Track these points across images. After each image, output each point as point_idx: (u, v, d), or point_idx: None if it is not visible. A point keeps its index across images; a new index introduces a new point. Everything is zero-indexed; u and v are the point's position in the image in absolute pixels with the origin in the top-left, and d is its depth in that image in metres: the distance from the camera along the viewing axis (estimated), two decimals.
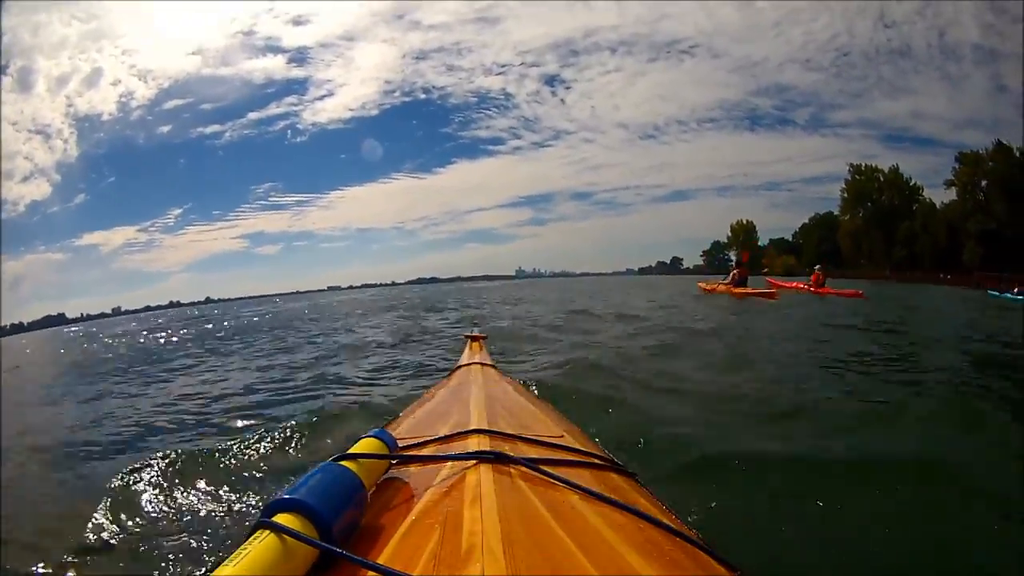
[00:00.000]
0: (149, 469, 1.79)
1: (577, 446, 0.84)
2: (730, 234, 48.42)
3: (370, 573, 0.44)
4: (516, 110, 60.04)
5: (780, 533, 1.37)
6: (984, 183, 33.05)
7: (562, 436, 0.90)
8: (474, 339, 2.16)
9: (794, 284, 13.15)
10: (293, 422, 2.28)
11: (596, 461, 0.78)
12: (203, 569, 1.14)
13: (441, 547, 0.47)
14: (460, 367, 1.57)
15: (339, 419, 2.40)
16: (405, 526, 0.54)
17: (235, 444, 2.03)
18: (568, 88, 59.56)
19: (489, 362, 1.66)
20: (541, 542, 0.49)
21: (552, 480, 0.62)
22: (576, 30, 62.95)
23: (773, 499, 1.58)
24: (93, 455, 2.10)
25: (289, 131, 55.59)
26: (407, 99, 57.35)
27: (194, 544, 1.25)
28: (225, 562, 0.41)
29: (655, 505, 0.71)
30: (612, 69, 59.96)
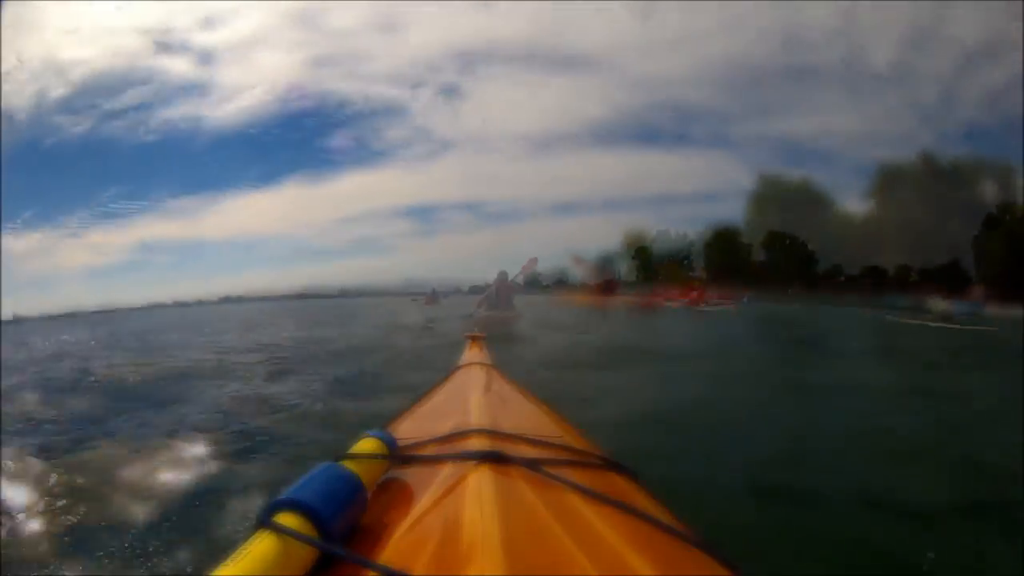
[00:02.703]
0: (146, 468, 1.79)
1: (577, 446, 0.84)
2: (627, 246, 47.34)
3: (370, 573, 0.44)
4: (411, 120, 57.85)
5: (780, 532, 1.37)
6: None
7: (562, 436, 0.90)
8: (474, 339, 2.16)
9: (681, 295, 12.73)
10: (292, 424, 2.29)
11: (596, 461, 0.78)
12: (203, 569, 1.14)
13: (441, 547, 0.47)
14: (460, 367, 1.57)
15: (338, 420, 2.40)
16: (405, 526, 0.54)
17: (234, 443, 2.03)
18: (465, 99, 58.32)
19: (489, 362, 1.65)
20: (541, 542, 0.49)
21: (552, 480, 0.62)
22: (479, 38, 61.46)
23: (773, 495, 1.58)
24: (85, 449, 2.10)
25: (188, 133, 52.36)
26: (306, 104, 55.23)
27: (194, 544, 1.25)
28: (225, 562, 0.41)
29: (655, 505, 0.71)
30: (512, 81, 58.76)
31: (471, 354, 1.84)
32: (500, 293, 8.11)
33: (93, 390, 3.72)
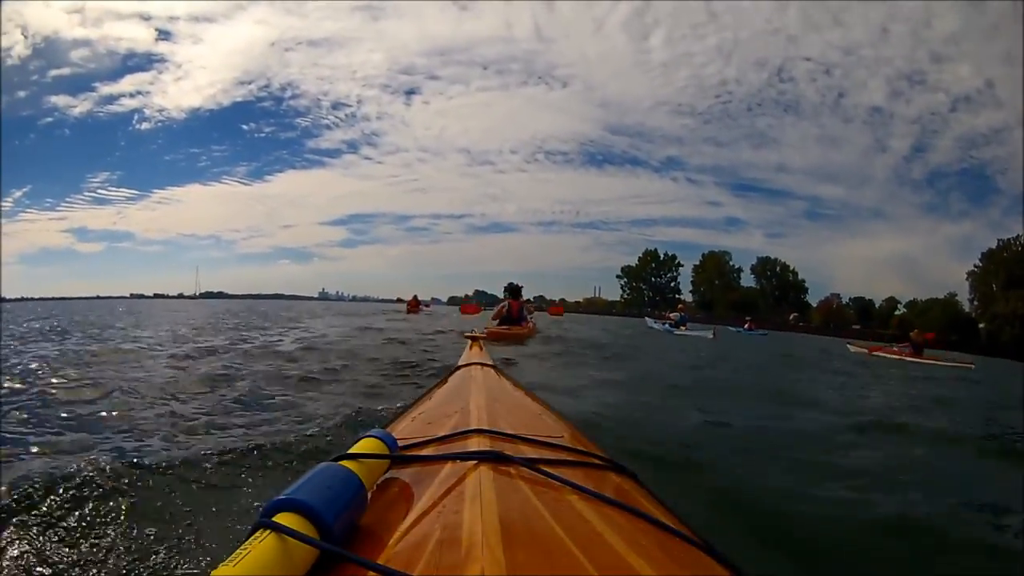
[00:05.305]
0: (144, 466, 1.79)
1: (577, 446, 0.84)
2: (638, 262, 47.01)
3: (370, 573, 0.44)
4: (365, 122, 55.14)
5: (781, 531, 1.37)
6: None
7: (562, 436, 0.90)
8: (474, 340, 2.17)
9: None
10: (292, 422, 2.28)
11: (596, 461, 0.78)
12: (203, 569, 1.14)
13: (441, 547, 0.47)
14: (460, 367, 1.57)
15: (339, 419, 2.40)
16: (405, 526, 0.54)
17: (234, 442, 2.03)
18: (426, 103, 55.48)
19: (489, 362, 1.66)
20: (541, 542, 0.49)
21: (552, 480, 0.62)
22: (457, 39, 58.94)
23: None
24: (80, 445, 2.09)
25: (136, 115, 48.90)
26: (262, 94, 50.64)
27: (193, 544, 1.25)
28: (225, 562, 0.41)
29: (655, 505, 0.71)
30: (478, 88, 55.90)
31: (471, 354, 1.85)
32: (512, 307, 8.04)
33: (79, 381, 3.70)
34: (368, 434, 0.70)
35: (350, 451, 0.64)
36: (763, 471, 1.89)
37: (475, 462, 0.66)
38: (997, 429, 3.46)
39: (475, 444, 0.74)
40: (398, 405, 2.30)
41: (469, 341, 2.19)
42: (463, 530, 0.49)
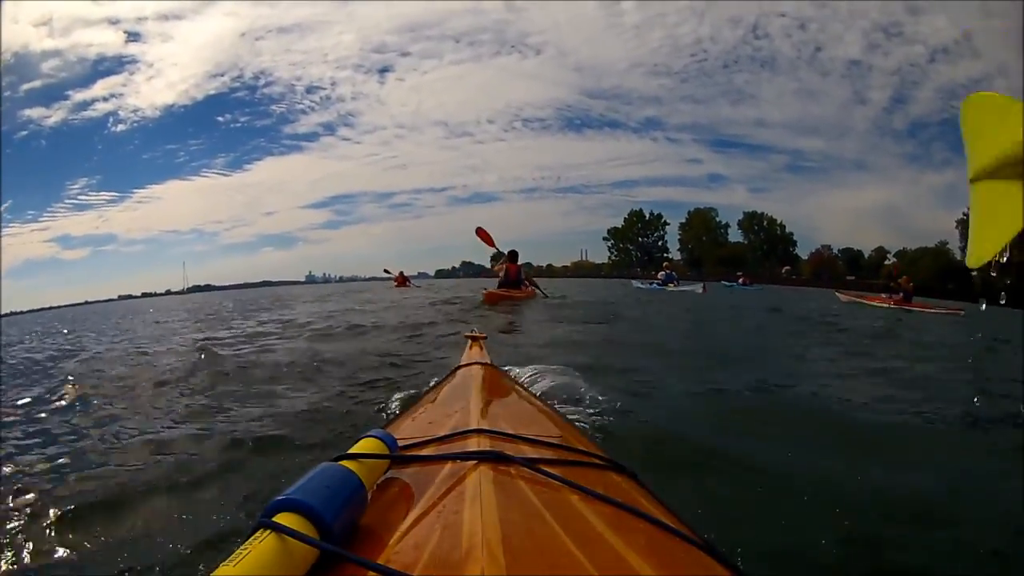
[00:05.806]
0: (145, 465, 1.79)
1: (577, 446, 0.84)
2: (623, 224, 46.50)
3: (370, 573, 0.44)
4: (340, 103, 54.07)
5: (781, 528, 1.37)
6: None
7: (562, 436, 0.90)
8: (474, 339, 2.16)
9: None
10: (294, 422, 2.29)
11: (596, 461, 0.78)
12: (203, 569, 1.14)
13: (441, 547, 0.47)
14: (460, 367, 1.57)
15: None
16: (405, 526, 0.54)
17: (234, 441, 2.03)
18: (400, 80, 54.66)
19: (489, 362, 1.65)
20: (541, 542, 0.49)
21: (552, 480, 0.62)
22: (426, 14, 56.36)
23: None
24: (78, 450, 2.10)
25: (111, 118, 48.01)
26: (236, 85, 50.63)
27: (194, 544, 1.25)
28: (225, 562, 0.41)
29: (656, 505, 0.71)
30: (451, 61, 54.52)
31: (471, 354, 1.84)
32: (510, 270, 8.18)
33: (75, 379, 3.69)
34: (368, 434, 0.70)
35: (350, 451, 0.64)
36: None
37: (475, 462, 0.66)
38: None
39: (475, 444, 0.74)
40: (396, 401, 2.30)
41: (469, 341, 2.18)
42: (463, 530, 0.49)
